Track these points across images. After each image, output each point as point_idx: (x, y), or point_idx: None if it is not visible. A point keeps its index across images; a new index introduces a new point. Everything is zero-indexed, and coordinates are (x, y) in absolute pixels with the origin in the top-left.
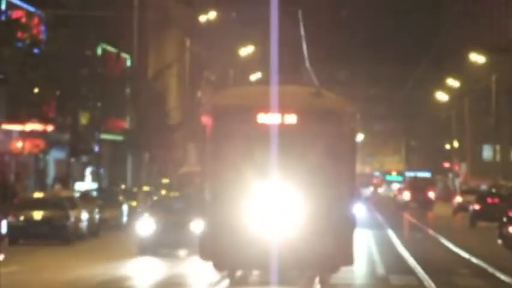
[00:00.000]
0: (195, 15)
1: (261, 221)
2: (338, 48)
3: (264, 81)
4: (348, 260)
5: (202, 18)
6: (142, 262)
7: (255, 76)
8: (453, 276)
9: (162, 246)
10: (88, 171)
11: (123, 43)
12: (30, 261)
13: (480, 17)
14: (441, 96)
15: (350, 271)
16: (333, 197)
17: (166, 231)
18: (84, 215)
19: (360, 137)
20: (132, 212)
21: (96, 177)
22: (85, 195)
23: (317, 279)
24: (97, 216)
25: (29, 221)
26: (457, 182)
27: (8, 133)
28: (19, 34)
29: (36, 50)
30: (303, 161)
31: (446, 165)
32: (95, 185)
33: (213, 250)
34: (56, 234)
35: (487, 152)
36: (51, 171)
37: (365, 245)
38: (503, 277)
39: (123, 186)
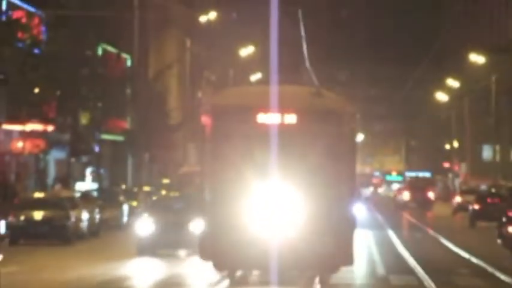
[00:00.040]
0: (195, 15)
1: (261, 221)
2: (338, 48)
3: (264, 82)
4: (348, 260)
5: (203, 19)
6: (142, 262)
7: (255, 76)
8: (453, 276)
9: (161, 246)
10: (88, 171)
11: (124, 43)
12: (31, 261)
13: (480, 17)
14: (441, 96)
15: (350, 271)
16: (333, 197)
17: (165, 231)
18: (85, 215)
19: (360, 137)
20: (132, 212)
21: (96, 177)
22: (85, 195)
23: (317, 280)
24: (97, 216)
25: (30, 221)
26: (457, 182)
27: (9, 133)
28: (19, 34)
29: (36, 50)
30: (303, 161)
31: (446, 165)
32: (95, 185)
33: (213, 250)
34: (57, 234)
35: (487, 152)
36: (52, 171)
37: (365, 245)
38: (503, 277)
39: (123, 186)
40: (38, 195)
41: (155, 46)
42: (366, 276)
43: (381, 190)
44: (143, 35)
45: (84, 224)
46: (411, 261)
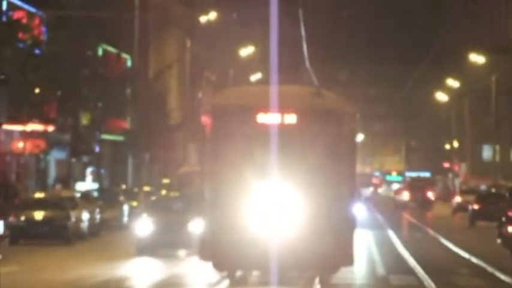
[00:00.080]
0: (195, 15)
1: (261, 221)
2: (338, 48)
3: (264, 82)
4: (348, 260)
5: (203, 19)
6: (142, 262)
7: (256, 77)
8: (453, 276)
9: (160, 246)
10: (89, 171)
11: (124, 43)
12: (31, 261)
13: (480, 17)
14: (441, 97)
15: (350, 271)
16: (333, 197)
17: (164, 231)
18: (85, 215)
19: (360, 137)
20: (132, 212)
21: (96, 177)
22: (86, 195)
23: (317, 280)
24: (98, 217)
25: (30, 221)
26: (457, 182)
27: (9, 133)
28: (20, 35)
29: (37, 51)
30: (302, 161)
31: (446, 165)
32: (95, 185)
33: (212, 250)
34: (57, 234)
35: (487, 152)
36: (52, 172)
37: (365, 245)
38: (503, 277)
39: (123, 187)
40: (39, 195)
41: (155, 46)
42: (366, 276)
43: (380, 190)
44: (143, 35)
45: (84, 224)
46: (411, 261)
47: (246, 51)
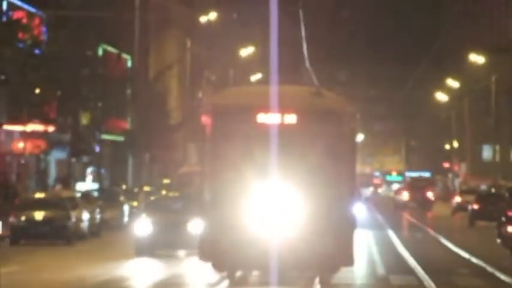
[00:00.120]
0: (195, 15)
1: (261, 221)
2: (338, 48)
3: (264, 82)
4: (348, 260)
5: (203, 19)
6: (142, 263)
7: (256, 77)
8: (453, 276)
9: (159, 246)
10: (89, 171)
11: (124, 44)
12: (31, 261)
13: (480, 17)
14: (441, 97)
15: (350, 271)
16: (333, 197)
17: (163, 231)
18: (85, 215)
19: (360, 137)
20: (133, 212)
21: (97, 177)
22: (86, 195)
23: (317, 280)
24: (98, 217)
25: (30, 221)
26: (457, 182)
27: (10, 134)
28: (20, 35)
29: (37, 51)
30: (302, 161)
31: (446, 165)
32: (95, 185)
33: (212, 250)
34: (57, 234)
35: (487, 152)
36: (52, 172)
37: (365, 245)
38: (503, 277)
39: (124, 187)
40: (39, 195)
41: (155, 46)
42: (366, 276)
43: (381, 190)
44: (143, 35)
45: (84, 224)
46: (411, 261)
47: (246, 51)
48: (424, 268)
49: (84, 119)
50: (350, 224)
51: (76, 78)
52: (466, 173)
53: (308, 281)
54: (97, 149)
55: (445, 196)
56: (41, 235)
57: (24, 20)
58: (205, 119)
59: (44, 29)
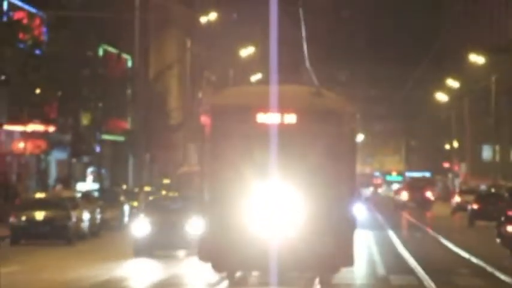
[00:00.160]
0: (195, 15)
1: (261, 221)
2: (338, 49)
3: (264, 82)
4: (348, 260)
5: (203, 19)
6: (142, 263)
7: (256, 77)
8: (453, 276)
9: (157, 247)
10: (89, 171)
11: (124, 44)
12: (31, 261)
13: (480, 17)
14: (441, 97)
15: (350, 271)
16: (333, 197)
17: (161, 232)
18: (86, 215)
19: (360, 137)
20: (133, 212)
21: (97, 177)
22: (86, 195)
23: (317, 280)
24: (98, 217)
25: (31, 221)
26: (457, 182)
27: (10, 134)
28: (21, 35)
29: (37, 51)
30: (302, 161)
31: (446, 165)
32: (96, 186)
33: (212, 251)
34: (58, 234)
35: (487, 152)
36: (53, 172)
37: (365, 245)
38: (503, 277)
39: (124, 187)
40: (39, 195)
41: (155, 46)
42: (366, 277)
43: (381, 190)
44: (144, 35)
45: (85, 224)
46: (411, 261)
47: (246, 51)
48: (424, 268)
49: (85, 119)
50: (350, 224)
51: (76, 78)
52: (466, 173)
53: (308, 282)
54: (97, 149)
55: (445, 196)
56: (42, 235)
57: (25, 21)
58: (205, 119)
59: (44, 29)
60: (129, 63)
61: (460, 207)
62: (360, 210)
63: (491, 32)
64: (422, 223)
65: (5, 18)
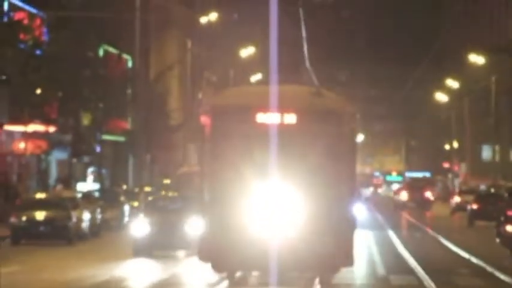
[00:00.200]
0: (196, 16)
1: (261, 221)
2: (338, 49)
3: (265, 82)
4: (348, 260)
5: (203, 20)
6: (142, 263)
7: (256, 77)
8: (453, 276)
9: (157, 247)
10: (90, 171)
11: (125, 44)
12: (32, 261)
13: (480, 17)
14: (441, 97)
15: (350, 271)
16: (333, 197)
17: (161, 232)
18: (86, 216)
19: (360, 138)
20: (133, 212)
21: (97, 177)
22: (87, 195)
23: (317, 280)
24: (99, 217)
25: (31, 221)
26: (457, 182)
27: (11, 134)
28: (21, 35)
29: (38, 52)
30: (302, 161)
31: (446, 165)
32: (96, 186)
33: (212, 251)
34: (58, 234)
35: (487, 152)
36: (53, 172)
37: (365, 245)
38: (502, 276)
39: (124, 187)
40: (40, 195)
41: (156, 47)
42: (366, 277)
43: (380, 190)
44: (144, 36)
45: (85, 225)
46: (411, 261)
47: (247, 51)
48: (424, 268)
49: (85, 120)
50: (350, 224)
51: (77, 78)
52: (466, 173)
53: (308, 282)
54: (98, 149)
55: (445, 196)
56: (42, 235)
57: (26, 21)
58: (205, 119)
59: (45, 29)
60: (130, 64)
61: (460, 207)
62: (360, 210)
63: (491, 32)
64: (422, 223)
65: (5, 19)
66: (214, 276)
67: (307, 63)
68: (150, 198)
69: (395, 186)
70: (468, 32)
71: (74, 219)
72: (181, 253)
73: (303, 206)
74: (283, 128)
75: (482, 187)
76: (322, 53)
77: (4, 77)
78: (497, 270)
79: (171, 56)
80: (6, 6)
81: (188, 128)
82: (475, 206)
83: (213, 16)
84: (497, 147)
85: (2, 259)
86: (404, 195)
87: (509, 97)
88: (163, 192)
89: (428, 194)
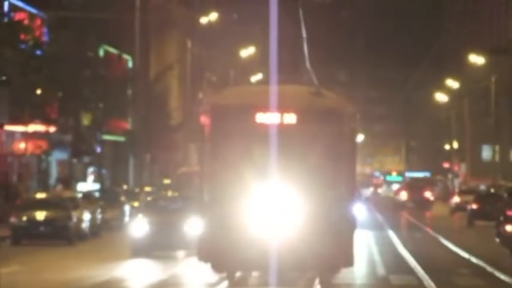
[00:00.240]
0: (195, 16)
1: (261, 221)
2: (338, 50)
3: (265, 82)
4: (348, 261)
5: (203, 20)
6: (142, 263)
7: (256, 77)
8: (453, 276)
9: (156, 247)
10: (90, 171)
11: (125, 44)
12: (32, 261)
13: (480, 17)
14: (441, 97)
15: (350, 271)
16: (333, 197)
17: (160, 232)
18: (86, 216)
19: (360, 138)
20: (133, 212)
21: (98, 177)
22: (87, 195)
23: (317, 280)
24: (99, 217)
25: (32, 221)
26: (457, 182)
27: (11, 134)
28: (22, 36)
29: (38, 52)
30: (302, 161)
31: (446, 165)
32: (97, 186)
33: (211, 251)
34: (58, 234)
35: (486, 153)
36: (54, 172)
37: (365, 245)
38: (502, 276)
39: (125, 187)
40: (40, 195)
41: (156, 47)
42: (366, 276)
43: (380, 190)
44: (144, 36)
45: (85, 225)
46: (411, 261)
47: (247, 51)
48: (424, 268)
49: (85, 120)
50: (350, 224)
51: (77, 78)
52: (466, 173)
53: (308, 282)
54: (98, 149)
55: (445, 196)
56: (42, 235)
57: (26, 21)
58: (204, 119)
59: (45, 30)
60: (130, 64)
61: (459, 207)
62: (360, 210)
63: (491, 32)
64: (422, 223)
65: (6, 19)
66: (213, 277)
67: (307, 64)
68: (148, 198)
69: (395, 186)
70: (468, 32)
71: (74, 220)
72: (181, 253)
73: (303, 206)
74: (283, 128)
75: (482, 187)
76: (322, 53)
77: (4, 78)
78: (497, 270)
79: (171, 56)
80: (6, 6)
81: (188, 128)
82: (474, 206)
83: (213, 16)
84: (497, 147)
85: (2, 259)
86: (404, 195)
87: (509, 97)
88: (164, 192)
89: (428, 194)
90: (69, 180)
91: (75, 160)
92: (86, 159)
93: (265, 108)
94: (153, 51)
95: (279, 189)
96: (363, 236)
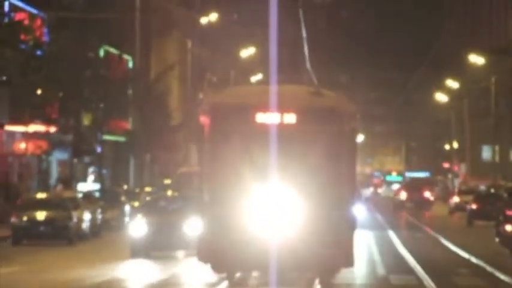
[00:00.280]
0: (196, 17)
1: (260, 221)
2: (338, 51)
3: (265, 82)
4: (348, 261)
5: (204, 20)
6: (142, 263)
7: (257, 77)
8: (453, 276)
9: (155, 247)
10: (90, 171)
11: (126, 45)
12: (32, 261)
13: (480, 17)
14: (441, 97)
15: (350, 271)
16: (333, 197)
17: (159, 232)
18: (87, 216)
19: (360, 138)
20: (132, 212)
21: (98, 177)
22: (87, 195)
23: (317, 280)
24: (99, 217)
25: (32, 221)
26: (457, 182)
27: (11, 134)
28: (22, 36)
29: (39, 52)
30: (302, 161)
31: (446, 165)
32: (97, 186)
33: (211, 251)
34: (59, 234)
35: (486, 153)
36: (54, 172)
37: (365, 245)
38: (502, 276)
39: (125, 187)
40: (41, 195)
41: (157, 47)
42: (366, 276)
43: (380, 190)
44: (145, 36)
45: (86, 225)
46: (411, 261)
47: (247, 52)
48: (423, 268)
49: (86, 120)
50: (350, 225)
51: (78, 79)
52: (466, 173)
53: (308, 282)
54: (98, 149)
55: (445, 196)
56: (43, 235)
57: (26, 22)
58: (204, 119)
59: (45, 30)
60: (130, 64)
61: (459, 207)
62: (360, 210)
63: (491, 32)
64: (421, 223)
65: (6, 19)
66: (213, 277)
67: (308, 64)
68: (148, 198)
69: (395, 186)
70: (468, 32)
71: (75, 220)
72: (180, 254)
73: (303, 206)
74: (282, 128)
75: (482, 187)
76: (322, 55)
77: (5, 78)
78: (497, 270)
79: (172, 57)
80: (7, 6)
81: (188, 128)
82: (474, 206)
83: (213, 16)
84: (497, 148)
85: (2, 259)
86: (404, 195)
87: (509, 97)
88: (164, 192)
89: (428, 194)
90: (69, 180)
91: (75, 160)
92: (87, 159)
93: (265, 108)
94: (154, 52)
95: (279, 189)
96: (363, 236)
